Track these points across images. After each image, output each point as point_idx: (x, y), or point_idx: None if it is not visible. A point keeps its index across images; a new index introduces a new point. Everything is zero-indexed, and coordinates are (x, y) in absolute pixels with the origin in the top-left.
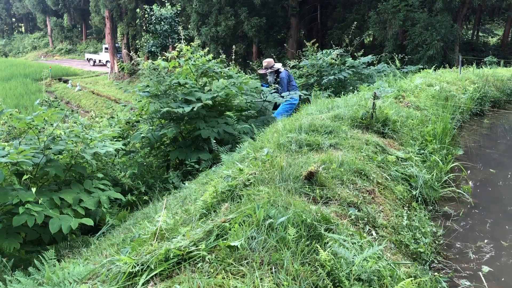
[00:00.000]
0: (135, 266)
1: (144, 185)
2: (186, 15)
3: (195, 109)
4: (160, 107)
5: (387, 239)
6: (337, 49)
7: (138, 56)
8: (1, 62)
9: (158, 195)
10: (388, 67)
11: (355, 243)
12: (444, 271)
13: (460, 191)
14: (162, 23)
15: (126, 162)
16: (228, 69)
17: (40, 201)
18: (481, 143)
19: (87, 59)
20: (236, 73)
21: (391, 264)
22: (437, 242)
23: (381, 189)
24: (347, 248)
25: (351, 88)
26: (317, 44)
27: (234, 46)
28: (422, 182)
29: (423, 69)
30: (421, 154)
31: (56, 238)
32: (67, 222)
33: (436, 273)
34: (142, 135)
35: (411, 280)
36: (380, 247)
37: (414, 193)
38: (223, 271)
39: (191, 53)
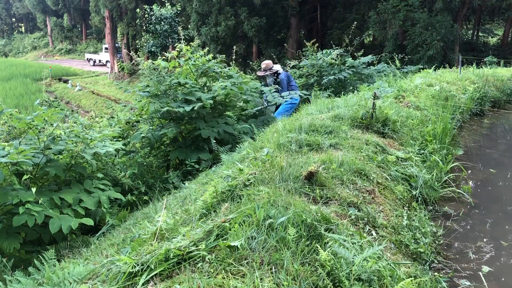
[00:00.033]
0: (135, 266)
1: (144, 185)
2: (186, 15)
3: (195, 109)
4: (160, 107)
5: (387, 239)
6: (337, 49)
7: (138, 56)
8: (1, 62)
9: (158, 195)
10: (388, 67)
11: (355, 243)
12: (444, 271)
13: (460, 191)
14: (162, 23)
15: (126, 162)
16: (228, 69)
17: (40, 201)
18: (481, 143)
19: (87, 59)
20: (236, 73)
21: (391, 264)
22: (437, 242)
23: (381, 189)
24: (347, 248)
25: (351, 88)
26: (317, 44)
27: (234, 47)
28: (422, 182)
29: (423, 69)
30: (421, 154)
31: (56, 238)
32: (67, 222)
33: (436, 273)
34: (142, 135)
35: (411, 280)
36: (380, 247)
37: (414, 193)
38: (223, 271)
39: (191, 53)
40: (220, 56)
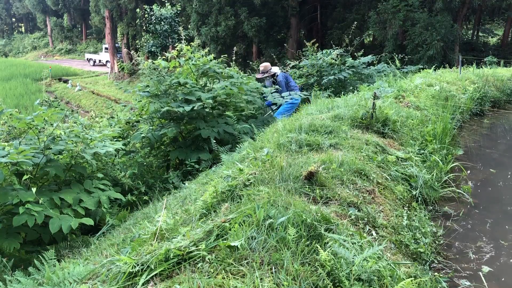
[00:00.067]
0: (135, 266)
1: (144, 185)
2: (186, 15)
3: (195, 109)
4: (160, 107)
5: (387, 239)
6: (337, 49)
7: (138, 56)
8: (1, 62)
9: (158, 195)
10: (388, 67)
11: (355, 243)
12: (444, 271)
13: (460, 191)
14: (162, 23)
15: (126, 162)
16: (228, 70)
17: (40, 201)
18: (481, 143)
19: (87, 59)
20: (237, 73)
21: (391, 264)
22: (437, 242)
23: (381, 189)
24: (347, 248)
25: (351, 88)
26: (317, 44)
27: (235, 48)
28: (422, 182)
29: (423, 69)
30: (421, 154)
31: (56, 238)
32: (67, 222)
33: (436, 273)
34: (142, 135)
35: (411, 280)
36: (380, 247)
37: (414, 193)
38: (223, 271)
39: (191, 53)
40: (222, 56)
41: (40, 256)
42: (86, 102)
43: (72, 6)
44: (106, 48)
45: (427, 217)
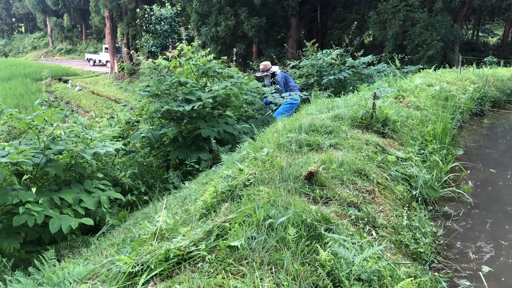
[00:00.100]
0: (135, 266)
1: (144, 185)
2: (186, 15)
3: (195, 108)
4: (160, 107)
5: (387, 239)
6: (337, 49)
7: (138, 56)
8: (1, 62)
9: (158, 195)
10: (388, 67)
11: (355, 243)
12: (444, 271)
13: (460, 191)
14: (162, 23)
15: (126, 162)
16: (228, 70)
17: (40, 201)
18: (481, 143)
19: (87, 59)
20: (237, 73)
21: (391, 264)
22: (437, 242)
23: (381, 189)
24: (347, 248)
25: (351, 88)
26: (317, 44)
27: (235, 48)
28: (422, 182)
29: (423, 69)
30: (421, 154)
31: (56, 238)
32: (67, 222)
33: (436, 273)
34: (142, 135)
35: (411, 280)
36: (380, 247)
37: (414, 193)
38: (223, 271)
39: (192, 53)
40: (223, 57)
41: (40, 256)
42: (86, 102)
43: (72, 6)
44: (106, 48)
45: (427, 217)
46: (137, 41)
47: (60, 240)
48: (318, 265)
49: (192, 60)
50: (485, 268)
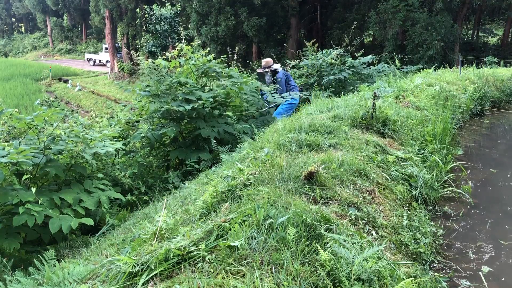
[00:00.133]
0: (135, 266)
1: (144, 185)
2: (186, 15)
3: (195, 108)
4: (160, 107)
5: (387, 239)
6: (337, 49)
7: (138, 56)
8: (1, 62)
9: (158, 195)
10: (388, 67)
11: (355, 243)
12: (444, 271)
13: (460, 191)
14: (162, 23)
15: (126, 162)
16: (228, 70)
17: (40, 201)
18: (481, 143)
19: (87, 59)
20: (237, 73)
21: (391, 264)
22: (437, 242)
23: (381, 189)
24: (347, 248)
25: (351, 88)
26: (317, 44)
27: (236, 48)
28: (422, 182)
29: (423, 69)
30: (421, 154)
31: (56, 238)
32: (67, 222)
33: (436, 273)
34: (142, 135)
35: (411, 280)
36: (380, 247)
37: (414, 193)
38: (223, 271)
39: (192, 53)
40: (222, 56)
41: (40, 256)
42: (86, 102)
43: (72, 6)
44: (106, 48)
45: (427, 217)
46: (137, 41)
47: (60, 240)
48: (318, 265)
49: (192, 60)
50: (485, 268)
